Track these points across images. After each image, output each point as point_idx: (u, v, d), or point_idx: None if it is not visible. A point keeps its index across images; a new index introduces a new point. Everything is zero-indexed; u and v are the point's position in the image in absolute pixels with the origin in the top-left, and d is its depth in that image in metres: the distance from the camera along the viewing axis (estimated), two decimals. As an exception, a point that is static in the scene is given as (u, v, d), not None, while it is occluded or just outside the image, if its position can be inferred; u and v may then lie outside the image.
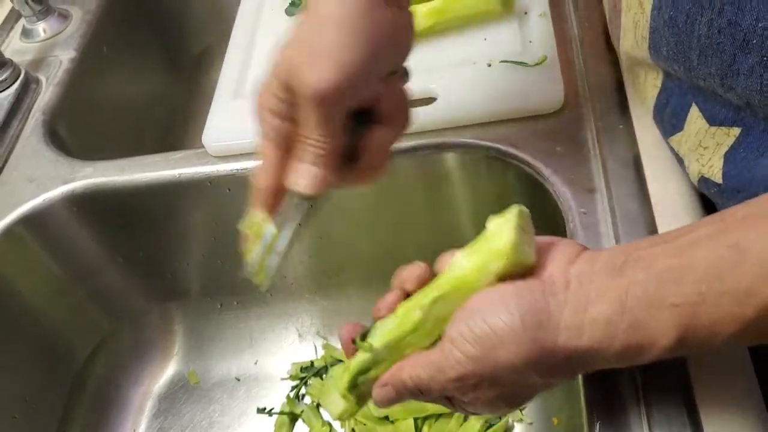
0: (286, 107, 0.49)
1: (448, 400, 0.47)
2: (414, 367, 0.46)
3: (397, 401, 0.48)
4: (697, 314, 0.38)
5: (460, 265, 0.45)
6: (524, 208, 0.45)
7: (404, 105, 0.53)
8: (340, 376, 0.49)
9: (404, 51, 0.52)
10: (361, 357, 0.48)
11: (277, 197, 0.51)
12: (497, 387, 0.43)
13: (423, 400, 0.48)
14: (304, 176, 0.49)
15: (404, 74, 0.54)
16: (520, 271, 0.44)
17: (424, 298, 0.46)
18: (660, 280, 0.39)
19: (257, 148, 0.51)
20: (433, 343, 0.46)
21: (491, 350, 0.42)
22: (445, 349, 0.44)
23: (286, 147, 0.50)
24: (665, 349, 0.39)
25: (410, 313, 0.46)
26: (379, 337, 0.47)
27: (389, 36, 0.49)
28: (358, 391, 0.49)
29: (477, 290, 0.44)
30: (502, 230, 0.44)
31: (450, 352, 0.43)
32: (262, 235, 0.53)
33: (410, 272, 0.49)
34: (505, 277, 0.44)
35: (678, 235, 0.41)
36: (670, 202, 0.60)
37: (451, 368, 0.43)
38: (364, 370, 0.48)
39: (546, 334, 0.41)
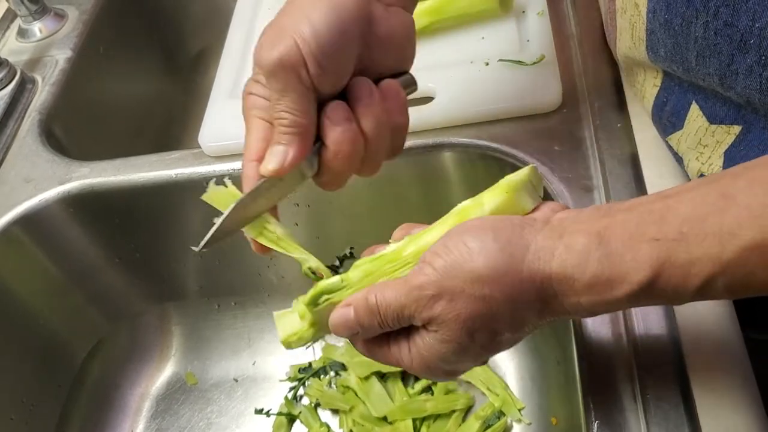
0: (264, 87, 0.49)
1: (409, 339, 0.45)
2: (381, 287, 0.44)
3: (350, 328, 0.46)
4: (676, 252, 0.37)
5: (458, 206, 0.47)
6: (536, 168, 0.48)
7: (397, 106, 0.51)
8: (301, 300, 0.48)
9: (399, 51, 0.52)
10: (331, 279, 0.47)
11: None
12: (456, 304, 0.41)
13: (382, 331, 0.45)
14: (270, 155, 0.48)
15: (408, 81, 0.53)
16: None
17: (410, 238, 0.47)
18: (642, 218, 0.39)
19: (245, 134, 0.51)
20: None
21: (459, 262, 0.41)
22: (416, 267, 0.43)
23: (270, 127, 0.49)
24: (638, 285, 0.38)
25: (392, 249, 0.47)
26: (353, 267, 0.48)
27: (357, 18, 0.48)
28: (318, 312, 0.47)
29: None
30: (513, 177, 0.46)
31: (420, 268, 0.43)
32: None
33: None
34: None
35: (670, 189, 0.41)
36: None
37: (414, 278, 0.42)
38: (329, 290, 0.46)
39: (515, 248, 0.41)
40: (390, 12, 0.50)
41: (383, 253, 0.47)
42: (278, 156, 0.47)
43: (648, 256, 0.38)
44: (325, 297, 0.46)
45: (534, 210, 0.46)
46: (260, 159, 0.49)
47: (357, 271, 0.47)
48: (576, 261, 0.39)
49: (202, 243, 0.50)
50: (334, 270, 0.49)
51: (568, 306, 0.41)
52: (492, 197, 0.46)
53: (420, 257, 0.44)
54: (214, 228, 0.50)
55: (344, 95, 0.49)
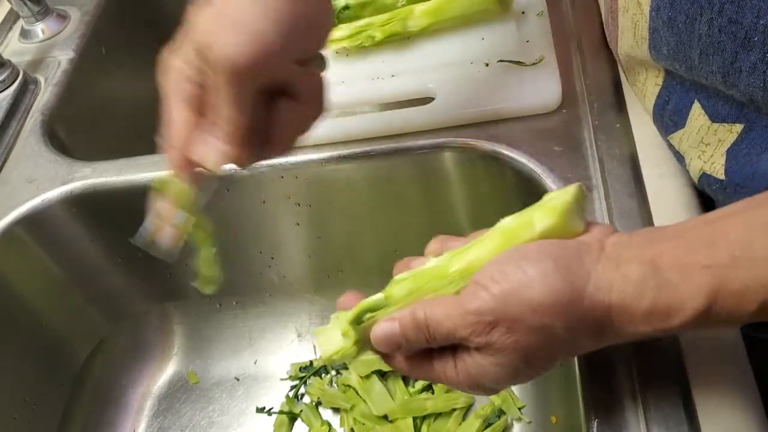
0: (197, 73, 0.48)
1: (455, 355, 0.44)
2: (431, 303, 0.44)
3: (395, 342, 0.45)
4: (729, 278, 0.38)
5: (502, 223, 0.46)
6: (583, 187, 0.46)
7: (320, 90, 0.52)
8: (343, 317, 0.47)
9: (322, 37, 0.51)
10: (373, 296, 0.46)
11: (190, 162, 0.50)
12: (515, 333, 0.41)
13: (425, 347, 0.45)
14: (211, 151, 0.49)
15: (321, 61, 0.53)
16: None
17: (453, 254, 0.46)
18: (693, 245, 0.39)
19: (163, 108, 0.50)
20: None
21: (518, 289, 0.40)
22: (469, 288, 0.42)
23: (197, 110, 0.49)
24: (694, 313, 0.39)
25: (434, 264, 0.46)
26: (393, 282, 0.47)
27: (308, 18, 0.48)
28: (361, 329, 0.46)
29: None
30: (559, 196, 0.45)
31: (474, 291, 0.42)
32: (175, 198, 0.52)
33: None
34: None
35: (710, 213, 0.42)
36: (667, 200, 0.60)
37: (470, 302, 0.41)
38: (373, 308, 0.46)
39: (576, 278, 0.40)
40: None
41: (425, 269, 0.46)
42: (222, 155, 0.48)
43: (701, 284, 0.38)
44: (368, 315, 0.46)
45: (584, 232, 0.45)
46: (185, 147, 0.49)
47: (399, 287, 0.46)
48: (633, 291, 0.40)
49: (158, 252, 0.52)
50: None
51: (626, 335, 0.41)
52: (543, 218, 0.44)
53: (472, 278, 0.43)
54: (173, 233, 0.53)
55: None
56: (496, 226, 0.46)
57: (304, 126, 0.53)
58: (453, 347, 0.45)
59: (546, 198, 0.46)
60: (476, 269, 0.43)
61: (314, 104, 0.52)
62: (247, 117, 0.48)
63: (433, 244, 0.50)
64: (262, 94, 0.48)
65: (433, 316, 0.43)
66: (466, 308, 0.42)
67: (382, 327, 0.45)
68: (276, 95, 0.49)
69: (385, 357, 0.48)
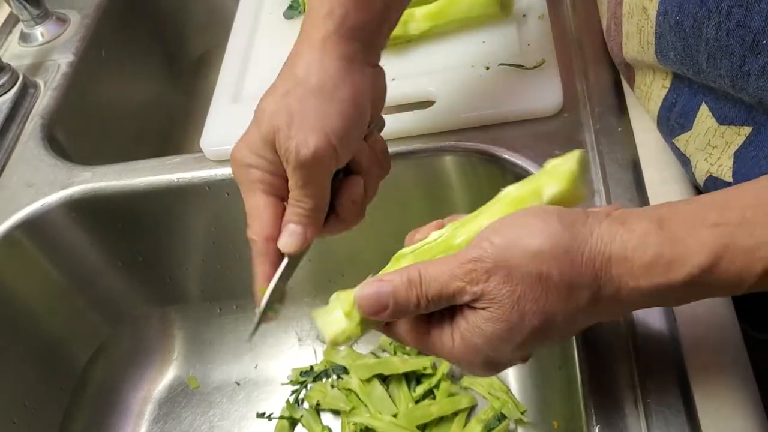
0: (274, 166, 0.51)
1: (452, 321, 0.43)
2: (425, 264, 0.43)
3: (381, 303, 0.43)
4: (739, 236, 0.37)
5: (508, 190, 0.46)
6: (582, 154, 0.45)
7: (382, 152, 0.56)
8: (345, 297, 0.46)
9: (381, 105, 0.55)
10: (376, 274, 0.45)
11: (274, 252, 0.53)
12: (510, 282, 0.40)
13: (415, 309, 0.43)
14: (293, 240, 0.52)
15: (380, 121, 0.56)
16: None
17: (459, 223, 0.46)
18: (703, 206, 0.39)
19: (248, 205, 0.54)
20: None
21: (519, 237, 0.40)
22: (472, 242, 0.42)
23: (281, 198, 0.53)
24: (698, 268, 0.38)
25: (439, 237, 0.46)
26: (396, 257, 0.47)
27: (369, 97, 0.52)
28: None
29: None
30: (563, 163, 0.45)
31: (476, 241, 0.41)
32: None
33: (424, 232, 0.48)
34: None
35: (726, 189, 0.41)
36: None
37: (469, 253, 0.41)
38: (412, 251, 0.46)
39: (578, 230, 0.40)
40: (370, 74, 0.54)
41: (429, 242, 0.46)
42: (299, 237, 0.52)
43: (709, 239, 0.38)
44: None
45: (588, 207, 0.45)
46: (274, 237, 0.52)
47: (402, 261, 0.46)
48: (636, 243, 0.39)
49: (251, 333, 0.54)
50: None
51: (625, 293, 0.40)
52: (551, 185, 0.44)
53: (475, 237, 0.42)
54: (257, 317, 0.54)
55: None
56: (501, 195, 0.46)
57: (371, 192, 0.56)
58: (451, 315, 0.43)
59: (549, 165, 0.45)
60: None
61: (380, 167, 0.55)
62: (321, 200, 0.52)
63: (434, 225, 0.49)
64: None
65: (427, 273, 0.42)
66: (464, 257, 0.41)
67: (372, 286, 0.43)
68: (341, 171, 0.53)
69: (386, 328, 0.46)
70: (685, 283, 0.38)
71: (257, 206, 0.53)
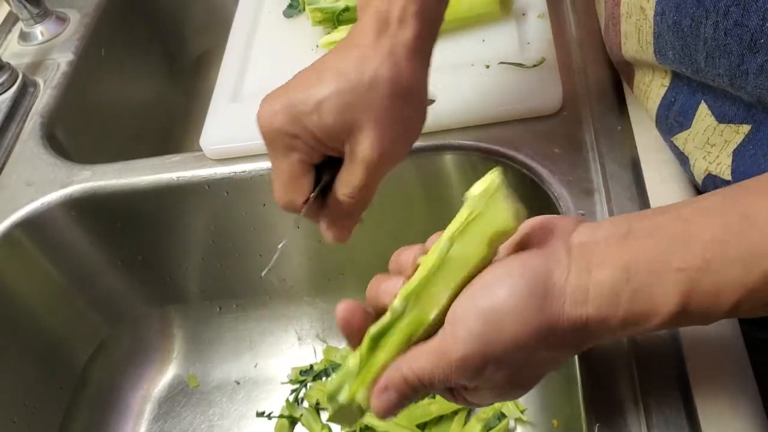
0: (322, 146, 0.50)
1: (452, 392, 0.45)
2: (414, 359, 0.43)
3: (398, 406, 0.44)
4: (702, 279, 0.37)
5: (454, 249, 0.42)
6: (500, 171, 0.43)
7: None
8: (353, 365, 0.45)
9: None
10: (380, 321, 0.44)
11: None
12: (504, 368, 0.41)
13: (425, 393, 0.45)
14: (339, 231, 0.54)
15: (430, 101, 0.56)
16: (509, 234, 0.42)
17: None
18: (665, 246, 0.38)
19: (280, 169, 0.52)
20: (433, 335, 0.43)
21: (497, 325, 0.40)
22: (447, 331, 0.42)
23: (313, 165, 0.52)
24: (669, 315, 0.38)
25: (390, 318, 0.44)
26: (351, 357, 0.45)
27: (422, 90, 0.52)
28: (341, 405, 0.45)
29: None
30: (490, 194, 0.42)
31: (452, 332, 0.41)
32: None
33: (408, 256, 0.47)
34: (497, 243, 0.42)
35: (684, 206, 0.41)
36: (669, 204, 0.59)
37: (454, 350, 0.41)
38: (384, 329, 0.44)
39: (552, 301, 0.39)
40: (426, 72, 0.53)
41: (384, 324, 0.44)
42: (348, 230, 0.56)
43: (675, 287, 0.38)
44: (382, 342, 0.44)
45: (538, 225, 0.44)
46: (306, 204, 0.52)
47: (387, 341, 0.44)
48: (608, 301, 0.39)
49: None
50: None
51: (604, 340, 0.42)
52: (491, 228, 0.42)
53: (447, 318, 0.42)
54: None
55: None
56: (443, 248, 0.43)
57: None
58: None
59: (476, 199, 0.42)
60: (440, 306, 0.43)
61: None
62: (371, 198, 0.53)
63: (420, 250, 0.48)
64: None
65: (422, 372, 0.42)
66: (451, 357, 0.41)
67: (381, 400, 0.44)
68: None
69: None
70: (657, 328, 0.40)
71: (294, 174, 0.52)
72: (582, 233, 0.42)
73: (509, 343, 0.40)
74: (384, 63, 0.48)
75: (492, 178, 0.42)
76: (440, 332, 0.42)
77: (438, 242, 0.43)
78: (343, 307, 0.46)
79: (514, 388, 0.44)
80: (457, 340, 0.41)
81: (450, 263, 0.42)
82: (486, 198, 0.42)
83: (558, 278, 0.40)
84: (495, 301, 0.40)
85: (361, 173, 0.50)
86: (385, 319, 0.44)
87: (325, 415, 0.84)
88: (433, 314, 0.43)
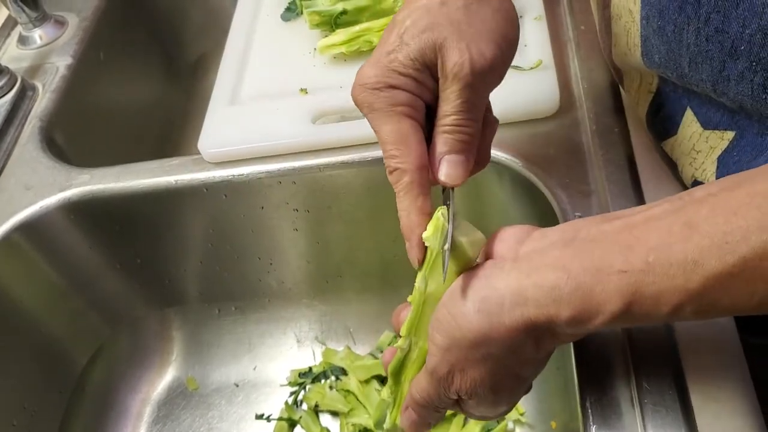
0: (423, 88, 0.47)
1: (457, 405, 0.48)
2: (416, 380, 0.47)
3: (420, 423, 0.49)
4: (644, 283, 0.38)
5: (428, 290, 0.47)
6: (442, 211, 0.45)
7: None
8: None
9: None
10: (394, 358, 0.49)
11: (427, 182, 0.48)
12: (468, 372, 0.44)
13: (441, 410, 0.48)
14: (453, 166, 0.47)
15: None
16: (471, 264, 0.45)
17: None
18: (608, 249, 0.39)
19: (388, 132, 0.47)
20: None
21: (449, 332, 0.43)
22: (428, 348, 0.45)
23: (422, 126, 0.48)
24: (611, 315, 0.39)
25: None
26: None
27: (514, 18, 0.48)
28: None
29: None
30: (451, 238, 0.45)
31: (429, 348, 0.45)
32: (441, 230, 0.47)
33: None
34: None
35: (633, 213, 0.41)
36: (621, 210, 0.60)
37: (429, 362, 0.45)
38: (398, 365, 0.49)
39: (490, 304, 0.41)
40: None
41: (396, 363, 0.49)
42: (464, 166, 0.47)
43: (617, 287, 0.38)
44: (402, 377, 0.50)
45: (494, 240, 0.45)
46: (426, 166, 0.47)
47: (388, 391, 0.51)
48: (548, 300, 0.40)
49: (444, 272, 0.46)
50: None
51: (560, 335, 0.42)
52: (447, 280, 0.45)
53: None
54: (446, 255, 0.46)
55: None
56: (419, 290, 0.47)
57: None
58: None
59: (430, 243, 0.45)
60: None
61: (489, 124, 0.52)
62: (479, 125, 0.48)
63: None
64: None
65: (421, 390, 0.47)
66: (428, 370, 0.45)
67: (405, 418, 0.50)
68: None
69: None
70: (603, 326, 0.40)
71: (404, 132, 0.46)
72: (530, 242, 0.44)
73: (461, 346, 0.43)
74: None
75: (437, 216, 0.45)
76: None
77: (416, 282, 0.47)
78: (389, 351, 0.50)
79: (498, 395, 0.46)
80: (429, 353, 0.45)
81: (430, 298, 0.46)
82: (438, 236, 0.45)
83: (498, 283, 0.42)
84: (447, 312, 0.43)
85: (458, 90, 0.45)
86: (397, 355, 0.49)
87: (324, 418, 0.85)
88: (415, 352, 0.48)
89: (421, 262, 0.47)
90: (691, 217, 0.38)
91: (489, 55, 0.45)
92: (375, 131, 0.48)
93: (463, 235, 0.45)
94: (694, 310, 0.38)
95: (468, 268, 0.45)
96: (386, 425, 0.52)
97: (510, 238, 0.45)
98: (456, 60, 0.45)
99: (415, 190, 0.46)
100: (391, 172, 0.47)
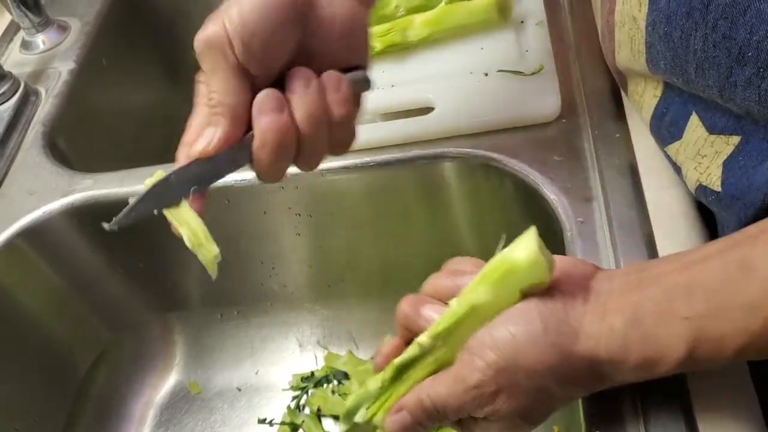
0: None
1: (461, 424, 0.47)
2: (430, 384, 0.45)
3: (410, 429, 0.46)
4: (707, 327, 0.39)
5: (481, 299, 0.44)
6: (534, 233, 0.44)
7: (340, 101, 0.49)
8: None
9: (346, 42, 0.50)
10: (406, 352, 0.46)
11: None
12: (515, 398, 0.43)
13: (444, 423, 0.47)
14: (199, 137, 0.48)
15: (364, 81, 0.52)
16: (541, 286, 0.44)
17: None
18: (671, 294, 0.40)
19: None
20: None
21: (512, 355, 0.42)
22: (465, 360, 0.44)
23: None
24: (677, 362, 0.40)
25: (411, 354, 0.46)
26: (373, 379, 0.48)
27: (301, 9, 0.47)
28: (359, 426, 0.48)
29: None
30: (527, 251, 0.43)
31: (470, 361, 0.43)
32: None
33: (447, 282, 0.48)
34: (529, 293, 0.44)
35: (689, 253, 0.43)
36: (667, 210, 0.60)
37: (470, 376, 0.43)
38: (409, 361, 0.46)
39: (566, 339, 0.42)
40: (334, 0, 0.49)
41: (407, 358, 0.46)
42: (206, 137, 0.47)
43: (682, 335, 0.40)
44: (405, 375, 0.47)
45: (559, 271, 0.44)
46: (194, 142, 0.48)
47: (377, 383, 0.47)
48: (619, 346, 0.41)
49: (116, 219, 0.49)
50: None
51: (617, 380, 0.43)
52: (526, 280, 0.43)
53: (465, 346, 0.44)
54: (130, 204, 0.49)
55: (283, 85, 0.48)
56: (472, 299, 0.44)
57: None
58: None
59: (513, 255, 0.43)
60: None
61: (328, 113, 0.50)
62: (226, 98, 0.46)
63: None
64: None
65: (438, 398, 0.44)
66: (467, 383, 0.43)
67: (393, 420, 0.47)
68: None
69: None
70: (667, 372, 0.41)
71: (192, 116, 0.49)
72: (599, 281, 0.44)
73: (522, 372, 0.42)
74: None
75: (531, 235, 0.43)
76: (457, 361, 0.44)
77: (471, 288, 0.44)
78: (390, 343, 0.49)
79: (523, 421, 0.45)
80: (473, 368, 0.43)
81: (480, 309, 0.44)
82: (525, 251, 0.43)
83: (573, 319, 0.42)
84: (510, 334, 0.42)
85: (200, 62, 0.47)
86: (411, 351, 0.46)
87: (326, 423, 0.85)
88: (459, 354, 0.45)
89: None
90: (745, 257, 0.39)
91: (209, 31, 0.46)
92: (203, 79, 0.48)
93: (546, 257, 0.43)
94: (758, 351, 0.39)
95: (536, 291, 0.43)
96: (358, 418, 0.48)
97: (578, 275, 0.44)
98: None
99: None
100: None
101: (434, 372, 0.46)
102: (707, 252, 0.41)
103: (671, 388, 0.49)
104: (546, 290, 0.44)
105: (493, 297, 0.44)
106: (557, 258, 0.45)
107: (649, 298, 0.41)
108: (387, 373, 0.47)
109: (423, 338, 0.45)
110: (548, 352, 0.41)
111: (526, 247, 0.43)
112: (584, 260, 0.48)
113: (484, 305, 0.44)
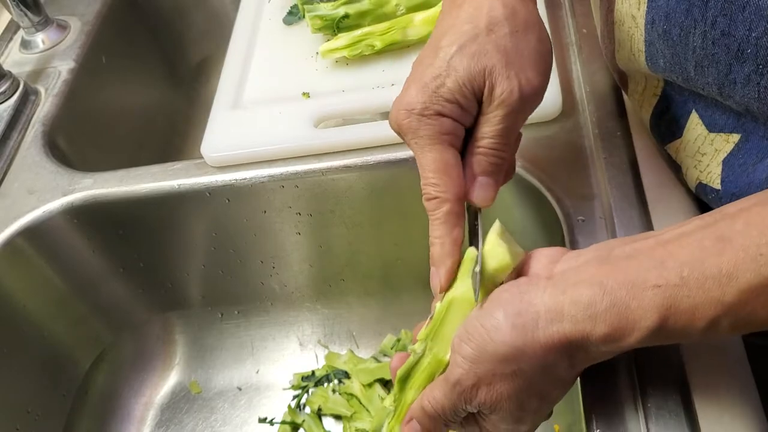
0: (466, 115, 0.48)
1: (466, 425, 0.48)
2: (429, 390, 0.47)
3: None
4: (679, 297, 0.38)
5: (455, 295, 0.47)
6: (496, 225, 0.47)
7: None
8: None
9: None
10: (405, 363, 0.49)
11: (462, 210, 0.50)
12: (496, 387, 0.44)
13: (450, 424, 0.48)
14: (486, 189, 0.49)
15: None
16: (507, 271, 0.46)
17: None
18: (643, 265, 0.40)
19: (430, 160, 0.48)
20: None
21: (482, 344, 0.43)
22: (450, 360, 0.45)
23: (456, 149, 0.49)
24: (648, 331, 0.39)
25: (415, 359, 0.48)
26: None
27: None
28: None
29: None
30: (488, 240, 0.46)
31: (453, 359, 0.45)
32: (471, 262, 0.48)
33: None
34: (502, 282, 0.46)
35: (665, 231, 0.42)
36: (668, 209, 0.60)
37: (452, 373, 0.44)
38: (408, 371, 0.48)
39: (527, 318, 0.42)
40: None
41: (419, 360, 0.48)
42: (493, 188, 0.49)
43: (653, 302, 0.39)
44: (408, 384, 0.49)
45: (528, 260, 0.47)
46: (463, 196, 0.49)
47: (412, 381, 0.49)
48: (584, 316, 0.40)
49: (476, 294, 0.47)
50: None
51: (593, 354, 0.43)
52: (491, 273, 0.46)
53: (451, 346, 0.45)
54: (476, 279, 0.47)
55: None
56: (454, 296, 0.47)
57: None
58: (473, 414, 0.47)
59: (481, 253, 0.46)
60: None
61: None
62: (514, 150, 0.50)
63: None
64: None
65: (436, 401, 0.46)
66: (451, 381, 0.44)
67: (405, 430, 0.49)
68: None
69: None
70: (638, 343, 0.41)
71: (447, 162, 0.48)
72: (565, 261, 0.45)
73: (494, 360, 0.42)
74: (495, 5, 0.48)
75: (494, 226, 0.46)
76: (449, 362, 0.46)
77: (452, 286, 0.47)
78: (398, 357, 0.50)
79: (519, 411, 0.45)
80: (454, 363, 0.44)
81: (458, 303, 0.46)
82: (487, 241, 0.46)
83: (532, 300, 0.42)
84: (479, 324, 0.43)
85: (501, 115, 0.47)
86: (408, 361, 0.48)
87: (327, 422, 0.85)
88: (448, 353, 0.46)
89: (444, 290, 0.48)
90: (724, 232, 0.38)
91: (536, 83, 0.47)
92: (417, 156, 0.49)
93: (506, 244, 0.45)
94: (731, 324, 0.39)
95: (500, 283, 0.45)
96: None
97: (544, 258, 0.46)
98: (505, 87, 0.46)
99: (452, 221, 0.48)
100: (428, 200, 0.49)
101: (432, 375, 0.47)
102: (687, 228, 0.41)
103: (671, 382, 0.49)
104: (514, 278, 0.45)
105: (466, 288, 0.46)
106: (536, 251, 0.47)
107: (617, 269, 0.41)
108: (395, 387, 0.49)
109: (415, 345, 0.47)
110: (512, 334, 0.42)
111: (488, 237, 0.45)
112: (561, 247, 0.47)
113: (460, 298, 0.46)
